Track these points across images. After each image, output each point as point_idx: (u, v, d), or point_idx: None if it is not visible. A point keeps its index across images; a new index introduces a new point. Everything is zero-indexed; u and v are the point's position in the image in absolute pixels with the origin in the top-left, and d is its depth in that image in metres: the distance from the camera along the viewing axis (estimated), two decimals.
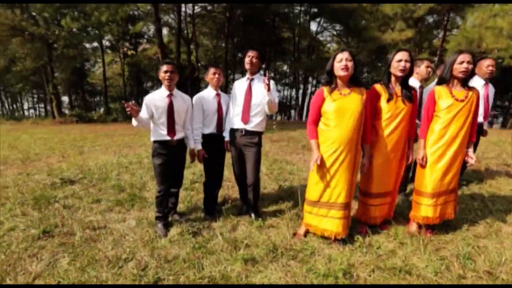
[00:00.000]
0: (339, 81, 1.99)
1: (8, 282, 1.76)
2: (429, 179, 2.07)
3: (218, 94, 2.58)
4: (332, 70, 1.97)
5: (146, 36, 26.99)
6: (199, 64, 27.75)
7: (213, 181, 2.65)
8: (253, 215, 2.56)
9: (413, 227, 2.23)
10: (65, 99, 28.27)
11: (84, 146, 6.85)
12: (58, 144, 7.20)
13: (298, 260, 1.92)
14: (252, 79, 2.48)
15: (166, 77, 2.24)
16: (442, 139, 2.03)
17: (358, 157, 2.03)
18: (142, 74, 27.66)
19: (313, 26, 21.26)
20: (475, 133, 2.10)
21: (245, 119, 2.43)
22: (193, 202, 3.02)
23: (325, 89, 2.01)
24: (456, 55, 1.99)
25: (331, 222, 2.05)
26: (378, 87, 2.12)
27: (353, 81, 2.00)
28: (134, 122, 2.28)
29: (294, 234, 2.25)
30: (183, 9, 20.86)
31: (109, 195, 3.22)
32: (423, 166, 2.12)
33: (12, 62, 18.82)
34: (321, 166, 2.00)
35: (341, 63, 1.90)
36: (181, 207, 2.90)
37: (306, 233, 2.23)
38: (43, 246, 2.17)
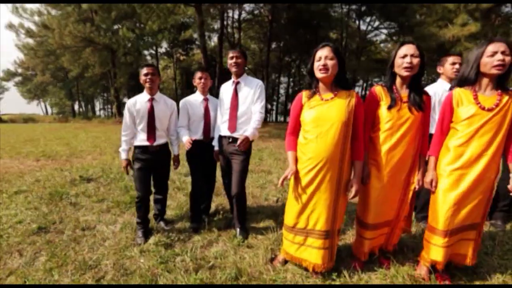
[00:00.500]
0: (320, 84, 1.66)
1: None
2: (441, 211, 1.58)
3: (206, 99, 2.43)
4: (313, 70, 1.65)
5: (196, 42, 28.60)
6: (246, 68, 28.52)
7: (198, 191, 2.50)
8: (238, 230, 2.34)
9: (422, 270, 1.74)
10: (126, 101, 31.71)
11: None
12: (103, 142, 7.97)
13: None
14: (238, 82, 2.27)
15: (147, 80, 2.18)
16: (459, 159, 1.53)
17: (344, 177, 1.65)
18: (192, 78, 29.50)
19: (363, 26, 19.77)
20: None
21: (232, 126, 2.23)
22: (185, 210, 2.92)
23: (304, 94, 1.70)
24: (485, 45, 1.46)
25: (309, 252, 1.72)
26: (378, 89, 1.71)
27: (339, 83, 1.65)
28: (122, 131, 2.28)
29: (272, 259, 1.96)
30: (230, 14, 21.56)
31: (114, 195, 3.34)
32: (433, 193, 1.64)
33: (85, 69, 21.74)
34: (297, 186, 1.69)
35: (320, 62, 1.57)
36: (172, 214, 2.83)
37: (286, 260, 1.93)
38: (34, 242, 2.29)
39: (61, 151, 6.49)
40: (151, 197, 2.44)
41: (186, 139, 2.25)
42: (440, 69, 2.41)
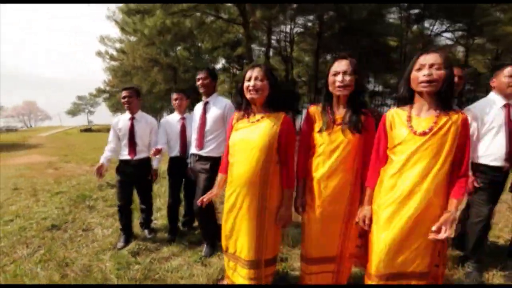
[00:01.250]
0: (252, 105, 1.63)
1: None
2: (374, 253, 1.35)
3: (183, 118, 2.59)
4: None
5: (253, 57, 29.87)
6: (299, 80, 28.52)
7: (174, 204, 2.64)
8: (204, 246, 2.38)
9: None
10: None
11: None
12: None
13: None
14: (206, 102, 2.36)
15: (125, 102, 2.45)
16: (391, 192, 1.30)
17: (270, 204, 1.55)
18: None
19: (426, 30, 17.67)
20: (463, 186, 1.24)
21: (200, 144, 2.33)
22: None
23: (235, 115, 1.69)
24: (416, 56, 1.25)
25: (241, 281, 1.66)
26: (312, 110, 1.57)
27: (271, 105, 1.59)
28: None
29: (219, 280, 1.94)
30: (282, 28, 21.98)
31: None
32: (368, 232, 1.41)
33: (153, 85, 24.87)
34: (225, 209, 1.66)
35: (250, 82, 1.55)
36: (163, 223, 3.03)
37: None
38: (43, 237, 2.74)
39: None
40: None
41: (155, 166, 2.49)
42: (493, 82, 2.02)
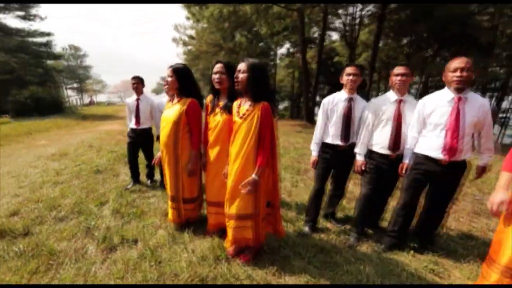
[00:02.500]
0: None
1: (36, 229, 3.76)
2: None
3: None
4: None
5: (316, 41, 29.05)
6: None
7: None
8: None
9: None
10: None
11: None
12: None
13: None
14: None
15: (133, 87, 3.51)
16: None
17: (181, 160, 2.34)
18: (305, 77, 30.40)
19: None
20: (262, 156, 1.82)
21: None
22: None
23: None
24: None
25: (169, 210, 2.54)
26: (208, 99, 2.27)
27: (182, 93, 2.31)
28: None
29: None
30: (349, 11, 20.73)
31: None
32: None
33: None
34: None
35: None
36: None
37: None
38: (90, 176, 4.14)
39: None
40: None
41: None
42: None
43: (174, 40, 23.47)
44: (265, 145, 1.82)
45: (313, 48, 29.29)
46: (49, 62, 25.70)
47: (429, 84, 23.52)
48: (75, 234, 2.43)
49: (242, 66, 1.85)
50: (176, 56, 29.81)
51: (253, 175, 1.82)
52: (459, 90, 1.89)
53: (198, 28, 20.38)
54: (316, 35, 26.83)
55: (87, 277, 1.89)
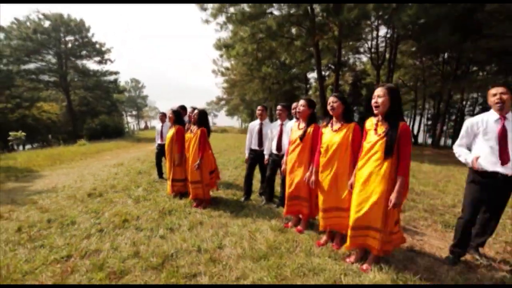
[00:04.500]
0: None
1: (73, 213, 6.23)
2: None
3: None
4: None
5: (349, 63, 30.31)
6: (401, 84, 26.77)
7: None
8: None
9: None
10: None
11: None
12: (234, 143, 12.78)
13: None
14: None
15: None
16: None
17: (175, 159, 4.45)
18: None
19: None
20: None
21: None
22: None
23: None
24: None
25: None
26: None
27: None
28: None
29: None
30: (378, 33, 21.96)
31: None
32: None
33: (254, 94, 29.86)
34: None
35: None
36: None
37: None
38: (133, 175, 6.56)
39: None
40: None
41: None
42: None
43: (213, 71, 27.24)
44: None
45: (345, 70, 30.64)
46: (115, 95, 31.62)
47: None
48: (122, 196, 4.67)
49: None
50: (215, 85, 33.77)
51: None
52: None
53: (231, 61, 23.66)
54: (346, 58, 28.29)
55: (130, 209, 4.04)
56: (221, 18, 13.87)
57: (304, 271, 2.27)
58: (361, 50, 25.19)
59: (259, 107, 4.35)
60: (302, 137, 2.95)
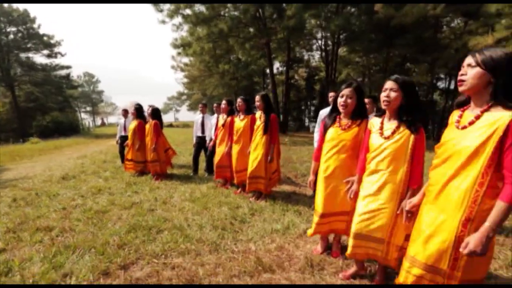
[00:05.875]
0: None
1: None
2: None
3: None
4: None
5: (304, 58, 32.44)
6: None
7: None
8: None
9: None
10: None
11: None
12: (181, 136, 13.98)
13: None
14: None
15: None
16: None
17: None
18: (297, 92, 33.91)
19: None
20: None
21: None
22: None
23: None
24: None
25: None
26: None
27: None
28: None
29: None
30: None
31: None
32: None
33: (214, 89, 30.96)
34: None
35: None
36: None
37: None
38: (92, 176, 7.67)
39: None
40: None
41: None
42: None
43: (173, 67, 27.81)
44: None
45: (300, 66, 32.94)
46: (68, 90, 30.53)
47: None
48: (93, 177, 5.87)
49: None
50: (175, 80, 34.22)
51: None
52: None
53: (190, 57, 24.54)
54: (300, 55, 30.55)
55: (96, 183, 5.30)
56: (177, 19, 14.92)
57: (221, 204, 3.89)
58: (314, 47, 27.71)
59: (200, 104, 5.88)
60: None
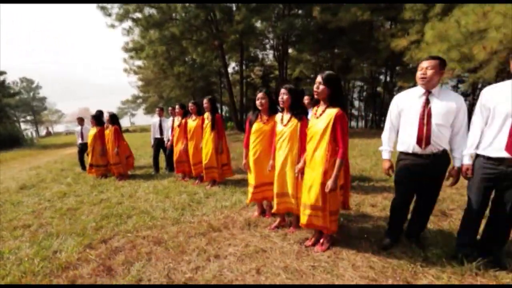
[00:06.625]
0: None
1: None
2: None
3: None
4: None
5: (259, 57, 33.54)
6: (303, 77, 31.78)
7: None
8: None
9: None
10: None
11: None
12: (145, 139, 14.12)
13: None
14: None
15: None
16: None
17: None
18: (253, 91, 35.05)
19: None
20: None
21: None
22: None
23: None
24: None
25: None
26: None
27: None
28: None
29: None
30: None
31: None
32: None
33: (171, 91, 30.66)
34: None
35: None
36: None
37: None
38: (53, 184, 7.78)
39: None
40: None
41: None
42: None
43: (125, 70, 27.07)
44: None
45: (255, 65, 34.01)
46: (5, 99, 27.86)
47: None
48: (54, 185, 6.14)
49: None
50: (129, 84, 33.19)
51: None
52: None
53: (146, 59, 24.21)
54: (255, 54, 31.59)
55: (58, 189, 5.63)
56: (128, 23, 14.90)
57: (181, 192, 4.62)
58: (267, 47, 29.01)
59: (157, 109, 6.49)
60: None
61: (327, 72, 2.34)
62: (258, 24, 14.78)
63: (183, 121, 5.27)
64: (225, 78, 19.73)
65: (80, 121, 7.55)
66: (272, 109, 3.18)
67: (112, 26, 14.66)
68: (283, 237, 2.88)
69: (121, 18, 14.52)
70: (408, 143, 2.33)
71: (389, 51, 13.01)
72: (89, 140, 6.29)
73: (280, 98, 2.81)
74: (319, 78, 2.36)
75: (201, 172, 4.98)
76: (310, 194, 2.49)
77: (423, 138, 2.22)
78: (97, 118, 6.27)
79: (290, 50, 25.78)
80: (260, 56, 32.87)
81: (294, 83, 24.89)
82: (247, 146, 3.36)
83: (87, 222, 3.53)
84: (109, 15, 14.38)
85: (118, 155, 5.87)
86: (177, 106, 5.40)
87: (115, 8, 14.41)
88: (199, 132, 4.88)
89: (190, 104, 5.00)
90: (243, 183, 5.12)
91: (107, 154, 6.09)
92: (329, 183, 2.31)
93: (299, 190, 2.79)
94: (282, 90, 2.79)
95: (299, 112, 2.74)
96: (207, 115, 4.68)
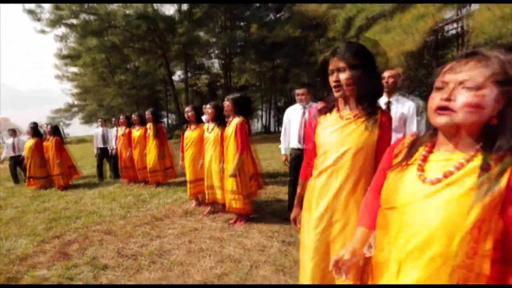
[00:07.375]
0: None
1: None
2: None
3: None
4: None
5: (205, 66, 33.96)
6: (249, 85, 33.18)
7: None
8: None
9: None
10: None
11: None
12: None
13: None
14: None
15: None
16: None
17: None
18: (200, 98, 35.37)
19: None
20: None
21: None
22: None
23: None
24: None
25: None
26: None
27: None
28: None
29: None
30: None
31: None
32: None
33: (113, 98, 29.24)
34: None
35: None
36: None
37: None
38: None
39: None
40: None
41: None
42: None
43: (58, 77, 25.13)
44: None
45: (202, 73, 34.38)
46: None
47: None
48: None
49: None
50: (62, 91, 30.70)
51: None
52: None
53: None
54: (200, 63, 31.95)
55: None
56: (61, 29, 14.29)
57: (126, 195, 5.13)
58: (213, 56, 29.77)
59: (99, 119, 6.82)
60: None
61: (233, 94, 3.35)
62: (202, 34, 15.54)
63: (127, 130, 5.78)
64: (171, 86, 19.93)
65: (12, 133, 7.37)
66: (219, 118, 3.69)
67: (43, 31, 13.93)
68: (213, 219, 3.73)
69: (53, 24, 13.90)
70: (294, 141, 3.42)
71: (318, 64, 14.99)
72: (25, 152, 6.30)
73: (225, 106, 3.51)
74: (226, 100, 3.32)
75: (146, 177, 5.55)
76: (228, 182, 3.39)
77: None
78: (34, 129, 6.34)
79: (234, 60, 27.10)
80: (206, 65, 33.49)
81: (239, 91, 26.18)
82: (182, 150, 4.15)
83: (35, 225, 3.88)
84: (39, 20, 13.66)
85: (60, 166, 6.04)
86: (121, 117, 5.90)
87: (46, 14, 13.74)
88: (142, 140, 5.47)
89: (133, 116, 5.59)
90: (185, 183, 5.83)
91: (47, 165, 6.19)
92: (231, 171, 3.26)
93: (224, 182, 3.67)
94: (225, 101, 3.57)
95: (220, 122, 3.64)
96: (149, 125, 5.31)
